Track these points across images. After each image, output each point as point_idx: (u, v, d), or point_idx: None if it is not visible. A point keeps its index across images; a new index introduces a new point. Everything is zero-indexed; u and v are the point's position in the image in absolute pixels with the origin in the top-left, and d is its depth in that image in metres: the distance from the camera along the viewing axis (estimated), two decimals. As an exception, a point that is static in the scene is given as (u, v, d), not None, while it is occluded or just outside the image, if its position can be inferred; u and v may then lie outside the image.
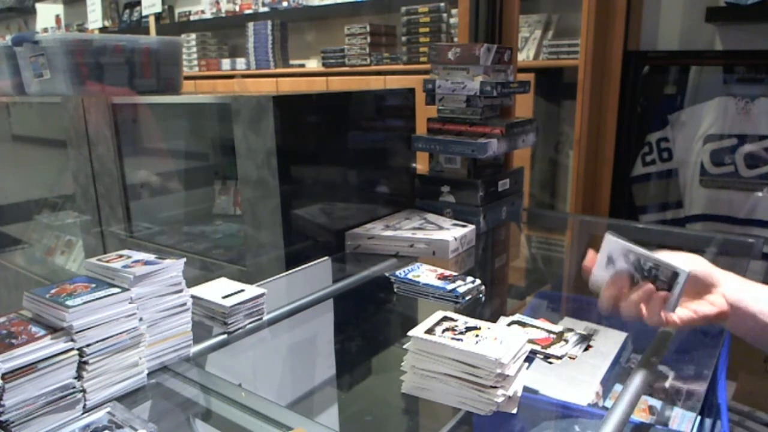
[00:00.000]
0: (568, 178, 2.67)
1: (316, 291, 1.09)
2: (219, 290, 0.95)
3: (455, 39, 3.17)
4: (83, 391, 0.69)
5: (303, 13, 3.99)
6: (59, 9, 5.99)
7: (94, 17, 4.01)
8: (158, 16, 4.54)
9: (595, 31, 2.01)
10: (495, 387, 0.70)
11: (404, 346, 0.76)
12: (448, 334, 0.76)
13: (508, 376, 0.71)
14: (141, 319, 0.75)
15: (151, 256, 0.82)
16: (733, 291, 0.77)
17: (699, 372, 1.18)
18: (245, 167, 1.23)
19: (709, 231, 1.90)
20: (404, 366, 0.76)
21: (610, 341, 1.23)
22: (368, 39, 3.59)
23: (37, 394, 0.65)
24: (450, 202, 1.48)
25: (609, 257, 0.79)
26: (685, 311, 0.75)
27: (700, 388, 1.15)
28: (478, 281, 1.10)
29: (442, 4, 3.23)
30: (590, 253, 0.83)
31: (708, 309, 0.75)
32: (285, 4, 4.02)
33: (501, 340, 0.74)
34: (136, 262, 0.79)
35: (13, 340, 0.66)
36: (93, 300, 0.70)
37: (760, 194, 1.89)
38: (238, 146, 1.23)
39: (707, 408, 1.11)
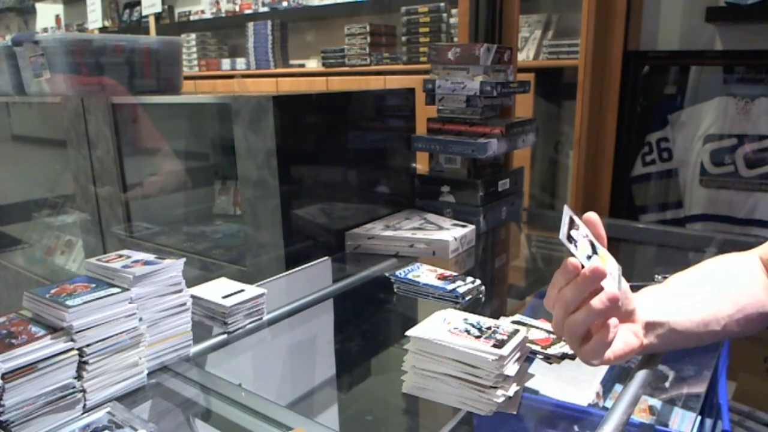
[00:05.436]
0: (568, 178, 2.67)
1: (316, 291, 1.09)
2: (219, 290, 0.95)
3: (455, 39, 3.17)
4: (83, 391, 0.69)
5: (303, 13, 3.99)
6: (59, 9, 6.00)
7: (94, 17, 4.01)
8: (158, 16, 4.55)
9: (595, 31, 2.01)
10: (495, 387, 0.70)
11: (404, 347, 0.76)
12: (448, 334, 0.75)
13: (508, 376, 0.71)
14: (141, 319, 0.75)
15: (151, 256, 0.82)
16: (645, 311, 0.71)
17: (699, 372, 1.18)
18: (245, 167, 1.23)
19: (709, 231, 1.90)
20: (405, 366, 0.76)
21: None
22: (368, 39, 3.59)
23: (37, 394, 0.65)
24: (450, 202, 1.48)
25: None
26: (619, 345, 0.67)
27: (700, 388, 1.15)
28: (478, 281, 1.10)
29: (442, 4, 3.23)
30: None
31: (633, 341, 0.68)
32: (285, 4, 4.02)
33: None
34: (136, 262, 0.79)
35: (13, 340, 0.66)
36: (93, 300, 0.70)
37: (760, 194, 1.89)
38: (238, 146, 1.23)
39: (707, 408, 1.11)
